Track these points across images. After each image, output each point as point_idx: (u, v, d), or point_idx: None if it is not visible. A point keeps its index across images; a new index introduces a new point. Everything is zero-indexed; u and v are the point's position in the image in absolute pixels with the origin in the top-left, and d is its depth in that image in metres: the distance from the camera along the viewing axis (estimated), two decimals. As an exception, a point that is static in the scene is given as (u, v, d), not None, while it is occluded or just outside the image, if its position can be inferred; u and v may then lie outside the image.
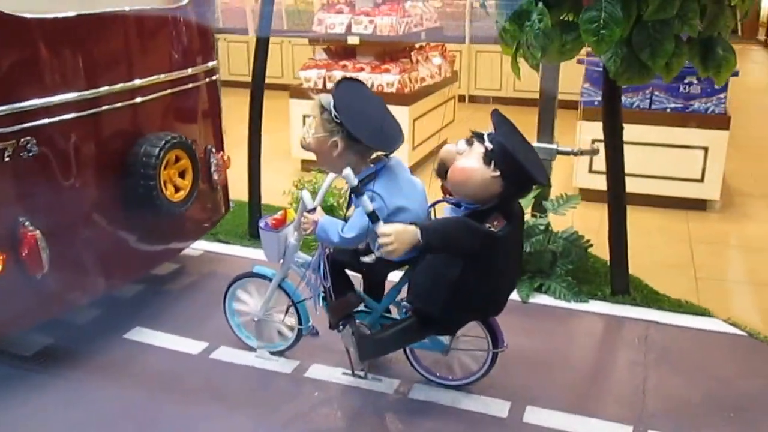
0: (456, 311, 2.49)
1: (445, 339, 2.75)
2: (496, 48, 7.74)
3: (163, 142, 3.11)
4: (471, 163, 2.31)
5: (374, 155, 2.56)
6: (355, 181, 2.36)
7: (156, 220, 3.28)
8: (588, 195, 4.62)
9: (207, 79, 3.64)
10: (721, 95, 4.72)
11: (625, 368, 2.97)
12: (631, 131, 4.25)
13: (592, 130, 4.75)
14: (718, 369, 2.95)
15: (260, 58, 4.04)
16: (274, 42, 8.41)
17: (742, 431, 2.55)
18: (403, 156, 3.83)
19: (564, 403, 2.72)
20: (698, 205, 4.98)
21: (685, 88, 4.73)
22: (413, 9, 6.01)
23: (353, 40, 5.66)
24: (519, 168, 2.27)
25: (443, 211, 2.54)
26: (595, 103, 4.79)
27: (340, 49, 6.07)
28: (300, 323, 2.96)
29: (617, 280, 3.55)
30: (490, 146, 2.30)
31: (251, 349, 3.09)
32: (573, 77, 7.68)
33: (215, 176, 3.70)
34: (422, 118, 6.01)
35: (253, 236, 4.31)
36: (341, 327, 2.72)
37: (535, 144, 3.65)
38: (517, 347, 2.87)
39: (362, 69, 5.66)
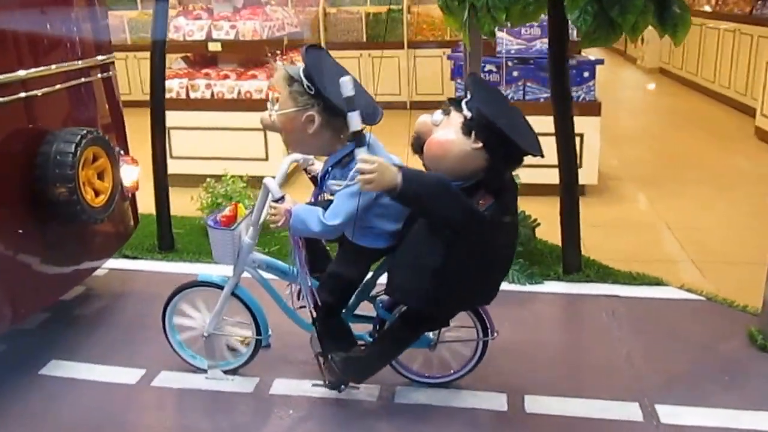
0: (442, 302, 2.20)
1: (430, 333, 2.50)
2: (353, 53, 7.82)
3: (79, 137, 2.63)
4: (448, 135, 2.03)
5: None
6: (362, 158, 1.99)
7: (71, 233, 2.81)
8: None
9: (104, 74, 3.17)
10: (591, 83, 4.73)
11: (606, 344, 2.85)
12: None
13: None
14: (694, 335, 2.89)
15: (158, 66, 3.66)
16: (119, 58, 8.23)
17: (745, 395, 2.48)
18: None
19: (560, 388, 2.55)
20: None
21: None
22: (274, 13, 5.75)
23: (215, 47, 5.29)
24: (503, 137, 1.97)
25: None
26: None
27: (199, 58, 5.67)
28: (258, 333, 2.59)
29: (570, 258, 3.45)
30: (468, 114, 2.02)
31: (200, 370, 2.68)
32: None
33: (126, 182, 3.21)
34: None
35: (164, 249, 3.85)
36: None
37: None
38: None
39: (227, 76, 5.30)
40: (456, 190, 2.01)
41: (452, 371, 2.57)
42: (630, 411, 2.40)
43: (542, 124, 4.44)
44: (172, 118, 4.60)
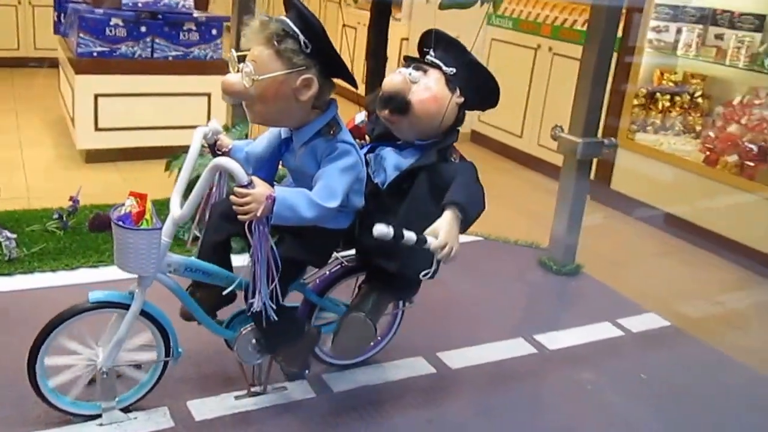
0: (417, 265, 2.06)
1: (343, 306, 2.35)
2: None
3: None
4: (442, 90, 2.04)
5: None
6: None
7: None
8: (96, 156, 4.46)
9: None
10: (218, 41, 4.76)
11: (454, 292, 3.07)
12: (137, 82, 4.43)
13: (93, 84, 4.37)
14: (506, 271, 3.34)
15: None
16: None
17: (577, 311, 3.05)
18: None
19: (463, 339, 2.71)
20: (205, 150, 4.86)
21: (184, 35, 4.63)
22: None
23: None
24: (493, 88, 2.13)
25: (382, 154, 2.15)
26: (94, 54, 4.34)
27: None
28: (168, 354, 2.10)
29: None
30: (451, 71, 2.06)
31: (89, 417, 2.04)
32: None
33: None
34: None
35: None
36: None
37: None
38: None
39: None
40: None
41: (371, 347, 2.48)
42: (524, 346, 2.72)
43: (171, 84, 4.57)
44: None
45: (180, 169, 3.19)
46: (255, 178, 1.80)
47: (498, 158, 5.43)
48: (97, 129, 4.46)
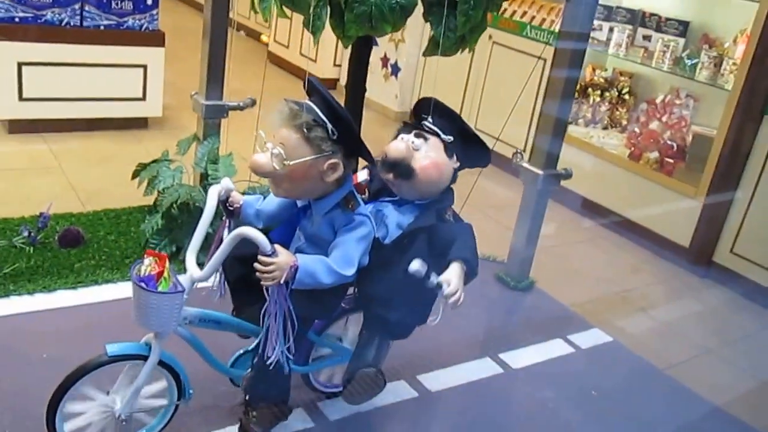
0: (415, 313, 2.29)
1: (347, 343, 2.50)
2: None
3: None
4: (442, 158, 2.22)
5: None
6: None
7: None
8: (19, 126, 4.45)
9: None
10: (154, 11, 4.67)
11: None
12: (65, 51, 4.40)
13: (16, 52, 4.25)
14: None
15: None
16: None
17: (533, 327, 3.32)
18: None
19: (436, 362, 2.90)
20: (141, 124, 4.96)
21: (117, 4, 4.53)
22: None
23: None
24: (485, 153, 2.32)
25: (384, 212, 2.29)
26: (16, 19, 4.20)
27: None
28: (180, 396, 2.19)
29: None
30: (449, 139, 2.22)
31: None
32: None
33: None
34: None
35: None
36: None
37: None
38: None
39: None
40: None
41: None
42: (491, 366, 2.96)
43: (104, 54, 4.57)
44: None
45: (150, 181, 3.25)
46: (277, 246, 1.91)
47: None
48: (21, 99, 4.38)
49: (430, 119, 2.24)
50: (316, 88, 1.97)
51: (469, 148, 2.27)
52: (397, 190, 2.26)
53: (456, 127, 2.26)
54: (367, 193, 2.36)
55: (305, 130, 1.91)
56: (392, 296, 2.15)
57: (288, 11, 2.73)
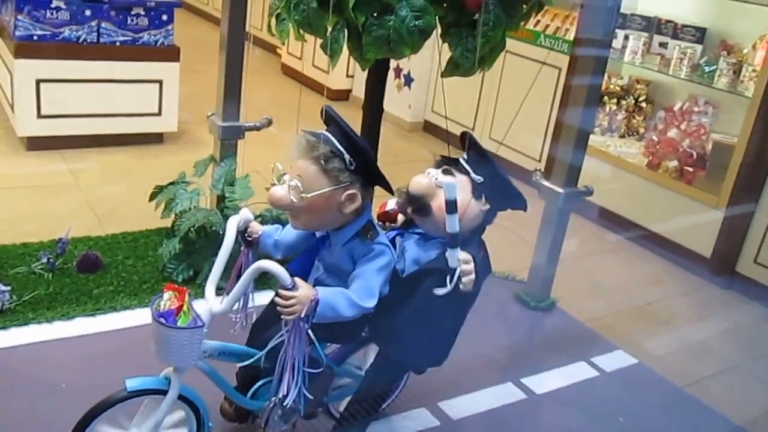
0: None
1: (360, 370, 2.47)
2: None
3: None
4: (465, 198, 2.09)
5: None
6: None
7: None
8: (38, 143, 4.47)
9: None
10: (169, 27, 4.71)
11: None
12: (82, 68, 4.42)
13: (35, 69, 4.31)
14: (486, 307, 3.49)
15: None
16: None
17: (557, 349, 3.26)
18: None
19: (460, 385, 2.85)
20: (156, 139, 4.97)
21: (133, 20, 4.58)
22: None
23: None
24: (517, 197, 2.19)
25: (405, 245, 2.24)
26: (35, 37, 4.26)
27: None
28: (200, 430, 2.17)
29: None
30: (479, 179, 2.13)
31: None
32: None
33: None
34: None
35: None
36: None
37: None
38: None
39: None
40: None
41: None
42: (514, 392, 2.91)
43: (120, 70, 4.61)
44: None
45: (167, 204, 3.23)
46: (298, 280, 1.87)
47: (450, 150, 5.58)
48: (39, 116, 4.40)
49: (464, 156, 2.18)
50: (333, 118, 1.94)
51: (500, 191, 2.17)
52: (420, 224, 2.21)
53: (488, 169, 2.16)
54: (399, 220, 2.33)
55: (323, 161, 1.88)
56: (401, 332, 2.11)
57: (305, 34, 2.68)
